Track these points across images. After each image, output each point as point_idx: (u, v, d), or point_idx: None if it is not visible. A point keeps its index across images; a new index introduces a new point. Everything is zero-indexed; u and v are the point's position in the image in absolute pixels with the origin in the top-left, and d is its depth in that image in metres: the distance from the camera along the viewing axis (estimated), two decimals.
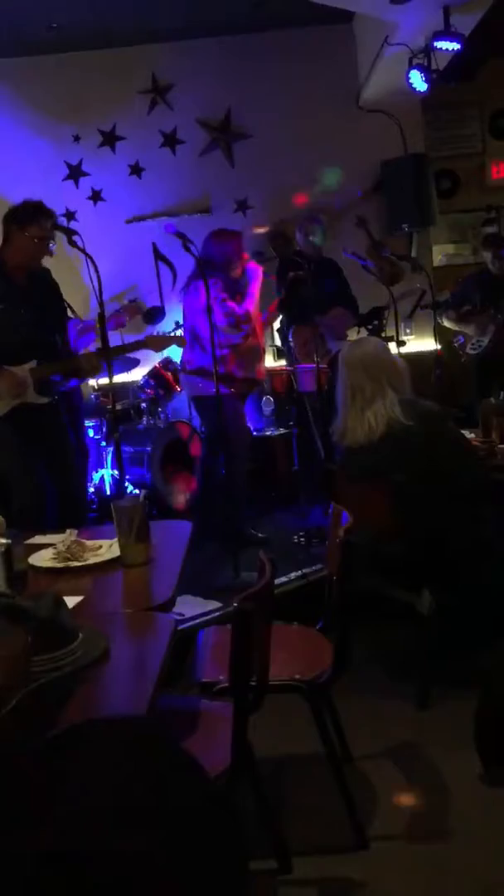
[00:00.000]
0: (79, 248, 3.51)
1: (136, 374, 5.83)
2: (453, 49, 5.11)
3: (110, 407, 4.63)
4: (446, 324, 5.81)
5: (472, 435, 3.88)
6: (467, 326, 5.69)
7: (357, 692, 3.10)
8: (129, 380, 5.84)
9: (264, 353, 5.04)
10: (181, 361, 4.96)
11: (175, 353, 5.44)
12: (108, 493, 5.29)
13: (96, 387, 5.59)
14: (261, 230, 6.41)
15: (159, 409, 5.79)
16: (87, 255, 3.46)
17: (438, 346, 5.83)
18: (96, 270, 3.41)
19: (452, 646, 3.33)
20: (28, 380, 3.77)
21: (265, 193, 6.49)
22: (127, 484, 5.25)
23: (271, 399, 6.01)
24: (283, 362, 6.17)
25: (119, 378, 5.34)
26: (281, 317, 5.65)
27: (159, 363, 5.69)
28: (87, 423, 5.39)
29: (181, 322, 5.15)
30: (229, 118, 6.47)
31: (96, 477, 5.42)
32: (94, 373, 4.09)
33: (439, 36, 5.04)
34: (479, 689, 2.75)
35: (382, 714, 3.19)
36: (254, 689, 2.03)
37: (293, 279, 5.01)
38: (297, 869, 2.33)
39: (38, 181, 5.83)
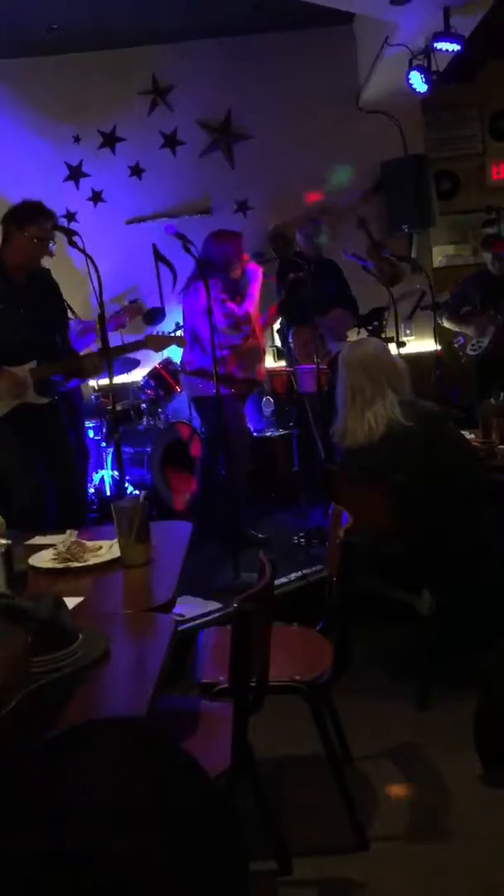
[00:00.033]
0: (79, 249, 3.51)
1: (137, 375, 5.83)
2: (453, 50, 5.11)
3: (110, 408, 4.64)
4: (446, 324, 5.81)
5: (472, 436, 3.88)
6: (467, 327, 5.69)
7: (357, 692, 3.10)
8: (130, 380, 5.84)
9: (264, 353, 5.04)
10: (181, 362, 4.96)
11: (175, 353, 5.44)
12: (109, 493, 5.29)
13: (96, 387, 5.60)
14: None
15: (159, 410, 5.79)
16: (87, 255, 3.46)
17: (438, 347, 5.83)
18: (96, 271, 3.41)
19: (452, 646, 3.33)
20: (28, 380, 3.77)
21: (265, 194, 6.49)
22: (127, 485, 5.25)
23: (271, 400, 6.01)
24: (283, 363, 6.17)
25: (119, 379, 5.34)
26: (281, 318, 5.65)
27: (159, 364, 5.70)
28: (88, 423, 5.39)
29: (181, 323, 5.15)
30: (229, 119, 6.47)
31: (96, 478, 5.42)
32: (96, 373, 4.09)
33: (439, 37, 5.04)
34: (479, 689, 2.75)
35: (382, 714, 3.19)
36: (254, 689, 2.03)
37: (293, 280, 5.01)
38: (297, 869, 2.33)
39: (38, 182, 5.83)
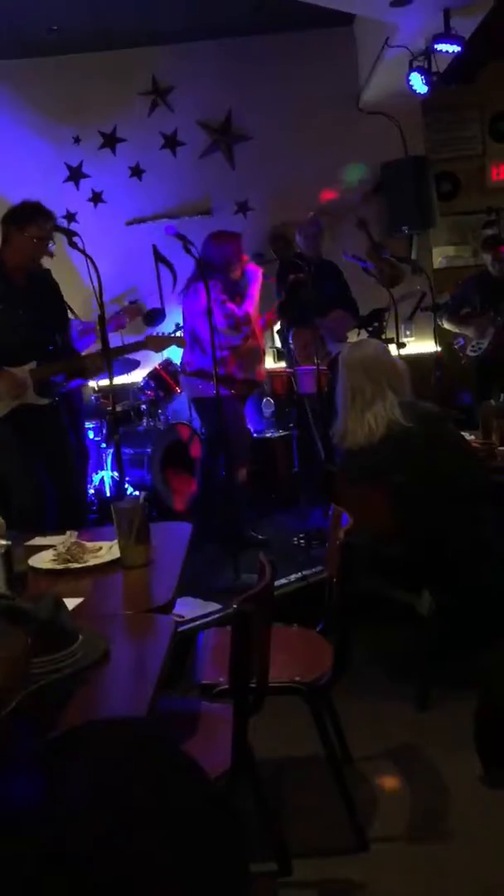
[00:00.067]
0: (79, 250, 3.51)
1: (137, 376, 5.83)
2: (454, 51, 5.11)
3: (110, 408, 4.64)
4: (446, 326, 5.81)
5: (472, 437, 3.88)
6: (467, 329, 5.70)
7: (357, 693, 3.10)
8: (130, 381, 5.84)
9: (264, 354, 5.04)
10: (181, 363, 4.96)
11: (175, 354, 5.44)
12: (109, 494, 5.29)
13: (96, 388, 5.60)
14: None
15: (159, 411, 5.79)
16: (87, 256, 3.46)
17: (438, 348, 5.83)
18: (96, 272, 3.41)
19: (452, 647, 3.33)
20: (28, 381, 3.77)
21: (266, 195, 6.49)
22: (127, 486, 5.25)
23: (271, 401, 6.01)
24: (283, 364, 6.17)
25: (119, 380, 5.34)
26: (280, 319, 5.65)
27: (159, 365, 5.70)
28: (88, 424, 5.39)
29: (181, 324, 5.15)
30: (230, 120, 6.47)
31: (96, 478, 5.42)
32: (98, 373, 4.09)
33: (440, 38, 5.04)
34: (479, 689, 2.75)
35: (382, 715, 3.19)
36: (254, 690, 2.03)
37: (293, 281, 5.01)
38: (298, 871, 2.33)
39: (38, 183, 5.83)
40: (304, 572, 4.08)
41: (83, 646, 1.70)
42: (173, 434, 5.59)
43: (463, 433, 3.59)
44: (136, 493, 5.20)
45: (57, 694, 1.56)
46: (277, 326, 5.97)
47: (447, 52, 5.12)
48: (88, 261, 3.43)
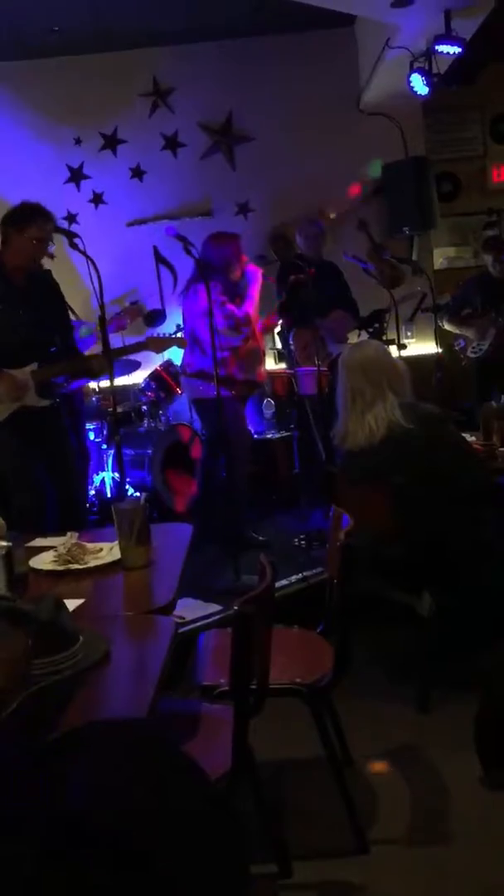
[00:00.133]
0: (80, 251, 3.51)
1: (137, 377, 5.83)
2: (454, 52, 5.11)
3: (111, 409, 4.64)
4: (447, 327, 5.81)
5: (473, 438, 3.88)
6: (468, 330, 5.70)
7: (357, 695, 3.10)
8: (130, 382, 5.85)
9: (264, 355, 5.04)
10: (181, 364, 4.96)
11: (176, 355, 5.45)
12: (109, 495, 5.29)
13: (97, 389, 5.61)
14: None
15: (160, 412, 5.79)
16: (87, 257, 3.47)
17: (439, 350, 5.83)
18: (97, 273, 3.41)
19: (453, 648, 3.33)
20: (29, 382, 3.77)
21: (266, 196, 6.49)
22: (128, 487, 5.25)
23: (272, 402, 6.01)
24: (283, 365, 6.17)
25: (120, 381, 5.34)
26: (280, 321, 5.66)
27: (160, 366, 5.70)
28: (88, 425, 5.39)
29: (182, 325, 5.16)
30: (230, 121, 6.48)
31: (97, 480, 5.42)
32: (103, 373, 4.09)
33: (440, 39, 5.05)
34: (480, 691, 2.75)
35: (383, 717, 3.19)
36: (254, 692, 2.03)
37: (294, 282, 5.01)
38: (298, 873, 2.33)
39: (39, 184, 5.84)
40: (304, 573, 4.08)
41: (84, 647, 1.70)
42: (174, 435, 5.59)
43: (463, 434, 3.59)
44: (137, 494, 5.20)
45: (57, 695, 1.56)
46: (278, 328, 5.98)
47: (448, 53, 5.13)
48: (89, 262, 3.44)
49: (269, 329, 5.40)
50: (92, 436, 5.46)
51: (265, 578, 2.16)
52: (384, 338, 5.64)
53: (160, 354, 4.93)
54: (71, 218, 6.29)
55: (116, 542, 2.39)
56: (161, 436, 5.49)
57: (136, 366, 5.67)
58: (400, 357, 4.35)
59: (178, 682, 2.52)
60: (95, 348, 4.57)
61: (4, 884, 0.94)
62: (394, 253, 6.32)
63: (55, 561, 2.41)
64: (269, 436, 5.96)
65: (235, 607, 1.90)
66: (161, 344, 4.39)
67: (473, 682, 2.82)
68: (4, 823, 0.99)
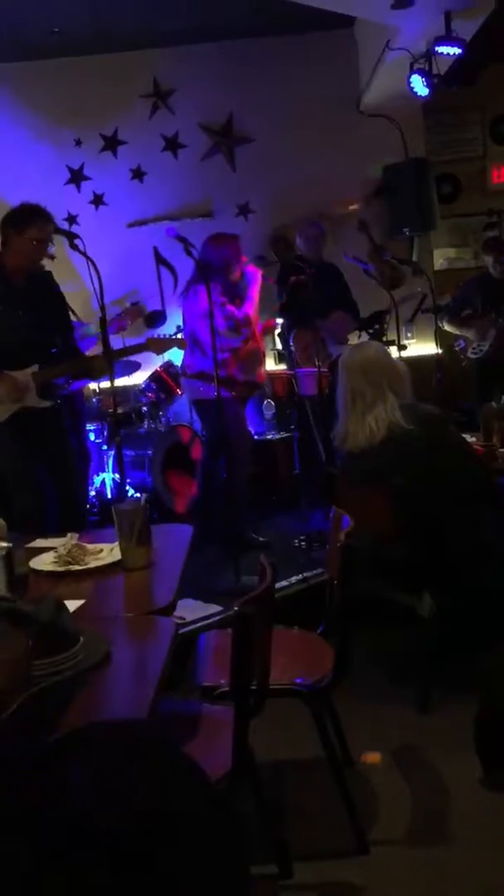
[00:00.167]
0: (80, 252, 3.52)
1: (138, 378, 5.84)
2: (454, 54, 5.11)
3: (111, 410, 4.64)
4: (447, 328, 5.81)
5: (473, 439, 3.88)
6: (468, 330, 5.70)
7: (357, 696, 3.10)
8: (131, 383, 5.85)
9: (264, 356, 5.04)
10: (181, 366, 4.96)
11: (176, 356, 5.45)
12: (110, 496, 5.29)
13: (98, 390, 5.61)
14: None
15: (160, 413, 5.79)
16: (88, 258, 3.47)
17: (439, 350, 5.84)
18: (97, 274, 3.42)
19: (453, 649, 3.33)
20: (30, 383, 3.77)
21: (266, 197, 6.50)
22: (128, 488, 5.25)
23: (272, 403, 6.01)
24: (283, 366, 6.17)
25: (120, 382, 5.34)
26: (281, 322, 5.66)
27: (160, 367, 5.70)
28: (89, 426, 5.40)
29: (182, 326, 5.16)
30: (231, 122, 6.48)
31: (97, 480, 5.42)
32: (105, 373, 4.09)
33: (440, 41, 5.05)
34: (480, 692, 2.75)
35: (383, 718, 3.19)
36: (254, 693, 2.03)
37: (294, 283, 5.02)
38: (298, 873, 2.33)
39: (39, 185, 5.84)
40: (304, 574, 4.08)
41: (84, 648, 1.70)
42: (174, 436, 5.59)
43: (464, 435, 3.59)
44: (137, 495, 5.20)
45: (58, 696, 1.56)
46: (278, 330, 5.98)
47: (448, 54, 5.13)
48: (89, 263, 3.44)
49: (268, 330, 5.41)
50: (92, 437, 5.47)
51: (265, 579, 2.16)
52: (384, 339, 5.64)
53: (160, 355, 4.94)
54: (71, 219, 6.29)
55: (117, 543, 2.39)
56: (161, 437, 5.49)
57: (136, 367, 5.68)
58: (400, 358, 4.36)
59: (179, 682, 2.52)
60: (96, 349, 4.58)
61: (5, 884, 0.94)
62: (394, 254, 6.32)
63: (55, 562, 2.41)
64: (269, 437, 5.95)
65: (236, 608, 1.90)
66: (161, 345, 4.40)
67: (473, 683, 2.82)
68: (5, 824, 0.99)
